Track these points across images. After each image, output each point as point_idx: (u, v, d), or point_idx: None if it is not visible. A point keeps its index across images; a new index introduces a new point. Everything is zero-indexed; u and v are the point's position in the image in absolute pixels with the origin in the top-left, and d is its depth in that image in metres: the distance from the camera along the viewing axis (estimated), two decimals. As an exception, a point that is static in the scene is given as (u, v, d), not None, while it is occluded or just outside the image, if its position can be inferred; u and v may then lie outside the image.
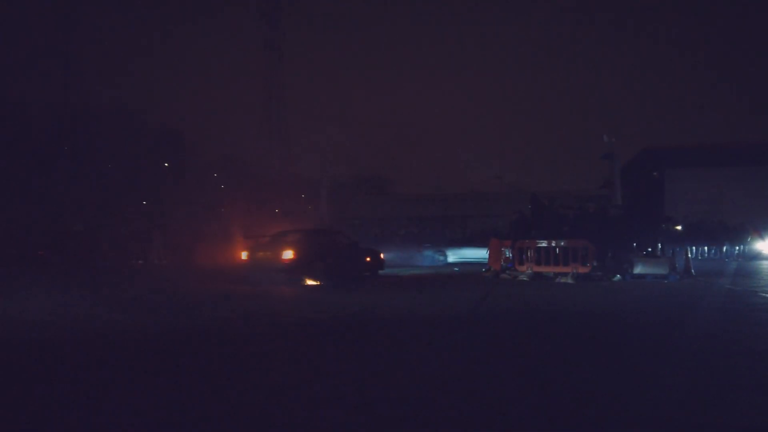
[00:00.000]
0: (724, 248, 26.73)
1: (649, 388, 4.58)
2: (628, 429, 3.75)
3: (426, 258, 24.33)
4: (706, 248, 27.00)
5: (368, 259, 16.80)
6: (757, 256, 25.74)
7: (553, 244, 15.11)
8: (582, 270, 14.53)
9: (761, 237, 26.18)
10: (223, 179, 34.15)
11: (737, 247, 26.63)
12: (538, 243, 15.27)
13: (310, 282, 14.59)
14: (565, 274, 14.62)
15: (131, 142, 29.27)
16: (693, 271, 15.79)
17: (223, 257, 25.14)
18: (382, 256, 17.59)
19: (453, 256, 24.40)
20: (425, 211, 42.75)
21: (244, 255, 15.48)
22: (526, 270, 15.26)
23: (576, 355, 5.94)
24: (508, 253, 16.22)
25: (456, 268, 20.89)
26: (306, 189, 38.52)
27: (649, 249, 15.87)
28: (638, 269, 14.60)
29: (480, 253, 21.13)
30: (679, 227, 25.26)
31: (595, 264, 14.72)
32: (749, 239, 26.22)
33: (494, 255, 16.96)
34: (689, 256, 16.46)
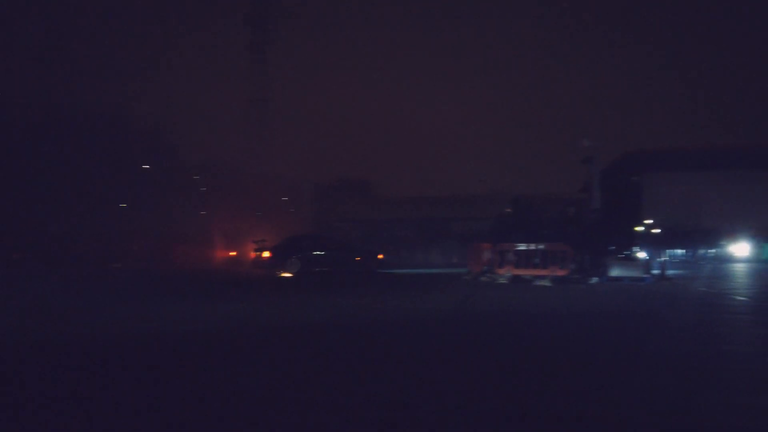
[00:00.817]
0: (700, 251, 27.17)
1: (614, 384, 4.67)
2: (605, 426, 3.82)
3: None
4: (682, 251, 27.42)
5: (358, 258, 19.47)
6: (731, 259, 26.24)
7: (533, 247, 15.26)
8: (560, 273, 14.69)
9: (736, 240, 26.66)
10: (204, 181, 33.88)
11: (712, 250, 27.08)
12: (517, 246, 15.42)
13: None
14: (543, 277, 14.77)
15: (111, 143, 28.93)
16: (668, 273, 16.04)
17: (202, 259, 24.95)
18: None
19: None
20: (409, 213, 42.84)
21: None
22: (505, 273, 15.38)
23: (552, 355, 6.02)
24: (489, 256, 16.34)
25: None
26: (289, 192, 38.36)
27: (626, 252, 16.08)
28: (615, 272, 14.78)
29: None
30: (656, 230, 25.64)
31: (573, 266, 14.90)
32: (724, 242, 26.68)
33: (474, 258, 17.08)
34: (665, 258, 16.71)
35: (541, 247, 15.15)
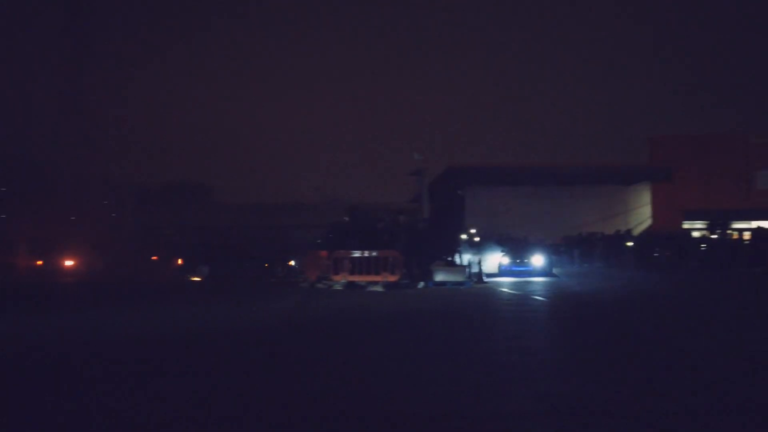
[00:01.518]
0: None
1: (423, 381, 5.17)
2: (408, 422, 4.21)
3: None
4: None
5: (267, 265, 21.27)
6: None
7: (366, 254, 15.97)
8: (391, 278, 15.57)
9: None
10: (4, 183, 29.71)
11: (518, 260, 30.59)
12: (352, 253, 16.02)
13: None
14: (375, 283, 15.52)
15: None
16: (485, 278, 17.78)
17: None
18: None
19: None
20: (246, 220, 41.79)
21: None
22: (340, 279, 15.86)
23: (370, 352, 6.42)
24: (325, 263, 16.69)
25: (273, 278, 20.92)
26: (111, 196, 35.18)
27: (450, 258, 17.50)
28: (439, 277, 16.04)
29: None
30: (477, 239, 28.22)
31: (403, 272, 15.88)
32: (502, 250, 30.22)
33: (311, 265, 17.33)
34: (482, 265, 18.48)
35: (374, 254, 15.92)
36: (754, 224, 27.48)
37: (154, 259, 25.91)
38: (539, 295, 13.40)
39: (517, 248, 20.82)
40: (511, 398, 4.72)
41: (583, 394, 4.82)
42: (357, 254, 16.00)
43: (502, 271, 19.56)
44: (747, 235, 26.45)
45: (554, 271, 19.70)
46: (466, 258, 17.65)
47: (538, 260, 19.29)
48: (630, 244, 26.73)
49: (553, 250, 20.77)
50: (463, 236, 19.86)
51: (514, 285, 16.40)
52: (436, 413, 4.33)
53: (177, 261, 21.80)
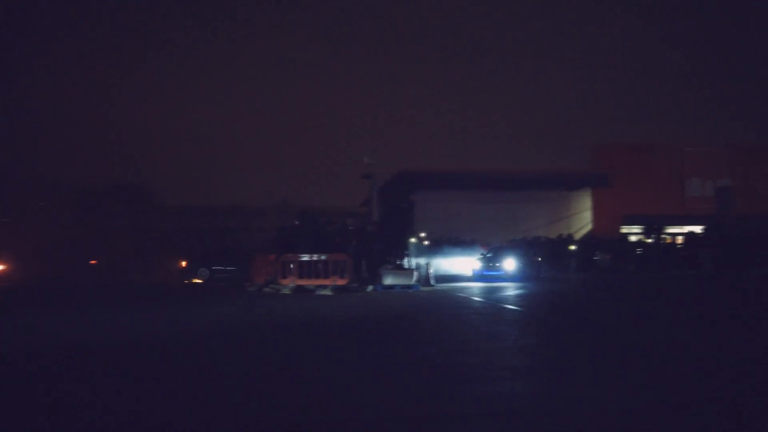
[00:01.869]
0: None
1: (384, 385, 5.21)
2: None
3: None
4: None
5: None
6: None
7: (315, 258, 15.89)
8: (340, 282, 15.55)
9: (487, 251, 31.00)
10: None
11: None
12: (301, 257, 15.90)
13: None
14: (325, 287, 15.46)
15: None
16: (433, 281, 18.01)
17: None
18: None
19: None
20: (192, 223, 40.79)
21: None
22: (289, 283, 15.72)
23: (314, 356, 6.41)
24: (273, 267, 16.50)
25: (221, 283, 20.58)
26: (48, 197, 33.67)
27: (398, 262, 17.63)
28: (388, 280, 16.13)
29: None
30: (426, 242, 28.57)
31: (352, 276, 15.88)
32: (479, 254, 30.88)
33: (258, 269, 17.10)
34: (430, 268, 18.72)
35: (323, 257, 15.86)
36: (687, 229, 29.04)
37: (92, 263, 25.08)
38: (477, 296, 13.76)
39: (492, 253, 21.04)
40: (450, 400, 4.77)
41: (524, 394, 4.96)
42: (306, 258, 15.90)
43: (475, 276, 19.84)
44: (680, 240, 27.90)
45: (528, 275, 19.62)
46: (415, 262, 17.83)
47: (510, 264, 19.56)
48: (572, 247, 27.69)
49: (523, 254, 20.88)
50: (413, 240, 20.04)
51: (461, 289, 16.69)
52: (371, 417, 4.35)
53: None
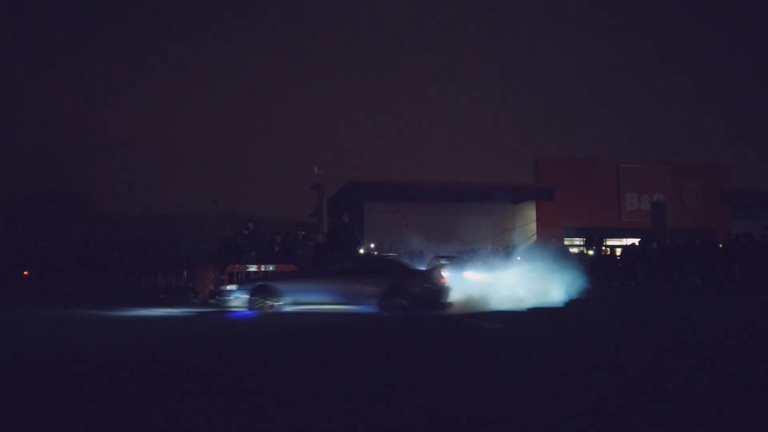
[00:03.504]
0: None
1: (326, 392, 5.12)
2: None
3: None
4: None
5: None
6: None
7: (263, 269, 15.58)
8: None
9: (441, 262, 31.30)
10: None
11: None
12: (248, 267, 15.56)
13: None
14: (272, 298, 15.12)
15: None
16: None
17: None
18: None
19: None
20: (132, 232, 39.41)
21: None
22: (235, 295, 15.29)
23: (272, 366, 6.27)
24: (219, 279, 16.08)
25: (161, 294, 19.94)
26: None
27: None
28: (338, 291, 15.95)
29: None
30: (376, 253, 28.59)
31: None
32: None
33: (203, 280, 16.63)
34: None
35: (270, 268, 15.56)
36: (625, 242, 30.25)
37: (25, 274, 23.84)
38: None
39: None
40: (394, 411, 4.74)
41: (466, 403, 4.99)
42: (253, 268, 15.58)
43: None
44: (618, 252, 29.05)
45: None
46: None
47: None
48: (519, 259, 28.30)
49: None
50: (362, 250, 20.00)
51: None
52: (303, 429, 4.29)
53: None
